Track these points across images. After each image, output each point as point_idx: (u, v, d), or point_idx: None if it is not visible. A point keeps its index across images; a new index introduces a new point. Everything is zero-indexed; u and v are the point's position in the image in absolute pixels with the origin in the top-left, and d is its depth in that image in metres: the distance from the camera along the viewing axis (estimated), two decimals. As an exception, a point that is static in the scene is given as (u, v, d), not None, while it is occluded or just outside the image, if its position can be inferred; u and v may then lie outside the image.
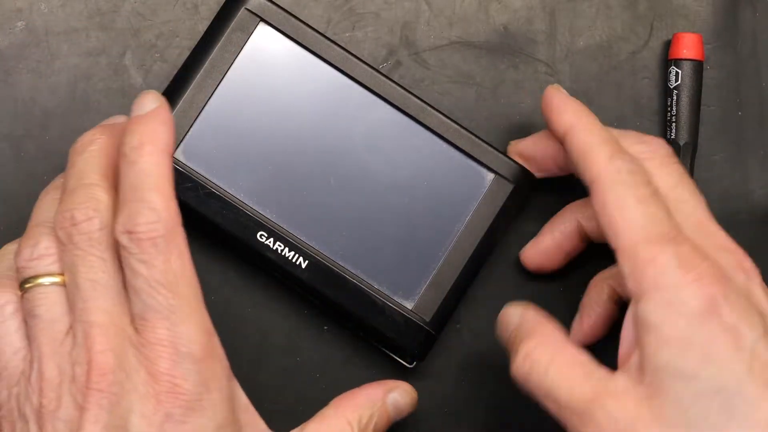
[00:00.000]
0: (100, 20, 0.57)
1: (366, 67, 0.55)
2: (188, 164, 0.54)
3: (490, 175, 0.55)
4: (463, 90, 0.58)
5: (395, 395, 0.52)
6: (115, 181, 0.48)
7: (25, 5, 0.57)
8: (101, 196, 0.47)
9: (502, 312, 0.52)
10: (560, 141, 0.52)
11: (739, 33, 0.59)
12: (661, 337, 0.46)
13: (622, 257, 0.48)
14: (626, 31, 0.59)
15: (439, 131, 0.54)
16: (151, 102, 0.48)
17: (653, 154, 0.52)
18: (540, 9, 0.58)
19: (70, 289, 0.47)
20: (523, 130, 0.58)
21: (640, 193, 0.49)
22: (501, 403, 0.57)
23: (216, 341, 0.47)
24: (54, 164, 0.56)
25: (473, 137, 0.55)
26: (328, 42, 0.55)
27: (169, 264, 0.46)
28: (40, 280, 0.48)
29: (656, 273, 0.47)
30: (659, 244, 0.47)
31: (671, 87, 0.58)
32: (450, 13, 0.58)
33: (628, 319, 0.48)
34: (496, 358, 0.55)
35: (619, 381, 0.47)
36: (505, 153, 0.55)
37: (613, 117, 0.58)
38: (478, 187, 0.55)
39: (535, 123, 0.58)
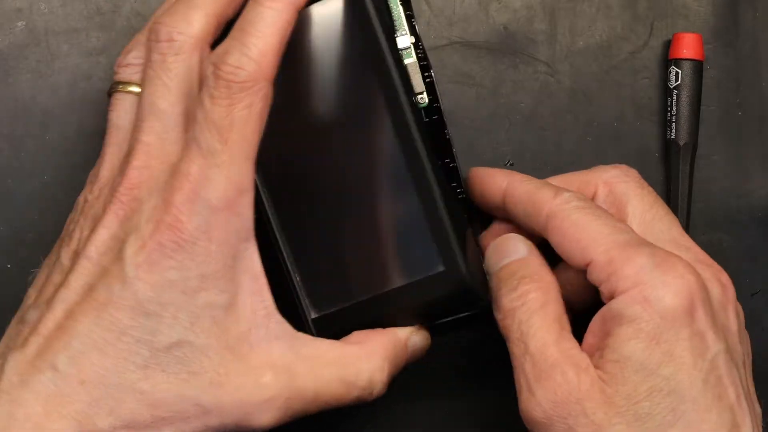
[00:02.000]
0: (100, 20, 0.57)
1: (404, 95, 0.49)
2: None
3: (440, 267, 0.49)
4: (463, 90, 0.58)
5: (415, 338, 0.52)
6: (223, 21, 0.48)
7: (25, 5, 0.57)
8: (197, 24, 0.47)
9: (505, 238, 0.52)
10: (500, 207, 0.53)
11: (739, 33, 0.59)
12: (631, 329, 0.47)
13: (596, 268, 0.48)
14: (626, 31, 0.59)
15: (419, 188, 0.49)
16: None
17: (629, 178, 0.53)
18: (540, 9, 0.58)
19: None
20: (523, 129, 0.58)
21: (595, 212, 0.50)
22: (501, 404, 0.57)
23: (244, 202, 0.47)
24: (54, 164, 0.56)
25: (449, 223, 0.49)
26: (391, 45, 0.50)
27: (231, 109, 0.46)
28: (121, 87, 0.49)
29: (635, 271, 0.47)
30: (632, 247, 0.48)
31: (671, 87, 0.58)
32: (450, 13, 0.58)
33: (598, 316, 0.49)
34: (496, 359, 0.56)
35: (584, 359, 0.48)
36: (466, 258, 0.49)
37: (613, 117, 0.58)
38: (423, 268, 0.50)
39: (535, 123, 0.58)
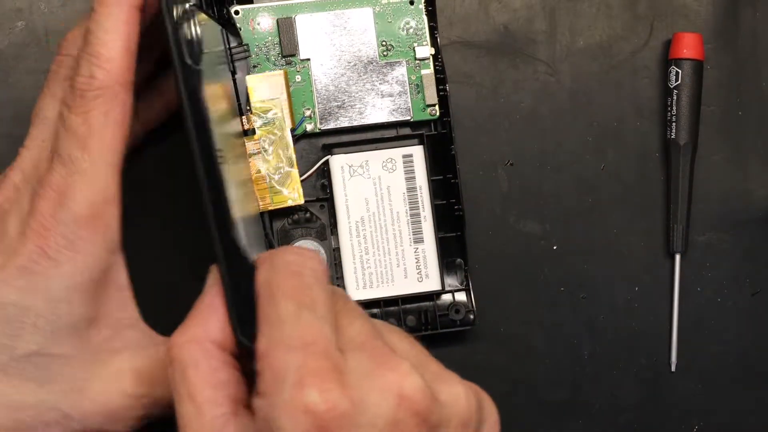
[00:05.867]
0: (100, 20, 0.57)
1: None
2: None
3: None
4: (463, 90, 0.58)
5: None
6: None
7: (25, 5, 0.57)
8: (77, 48, 0.49)
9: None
10: None
11: (739, 33, 0.59)
12: None
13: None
14: (626, 31, 0.59)
15: None
16: None
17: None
18: (540, 9, 0.58)
19: None
20: (523, 129, 0.58)
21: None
22: (501, 405, 0.57)
23: (111, 213, 0.47)
24: (54, 164, 0.56)
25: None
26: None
27: (87, 116, 0.46)
28: None
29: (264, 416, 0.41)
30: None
31: (671, 87, 0.58)
32: (450, 13, 0.58)
33: None
34: (498, 359, 0.56)
35: None
36: None
37: (613, 117, 0.58)
38: None
39: (535, 123, 0.58)
